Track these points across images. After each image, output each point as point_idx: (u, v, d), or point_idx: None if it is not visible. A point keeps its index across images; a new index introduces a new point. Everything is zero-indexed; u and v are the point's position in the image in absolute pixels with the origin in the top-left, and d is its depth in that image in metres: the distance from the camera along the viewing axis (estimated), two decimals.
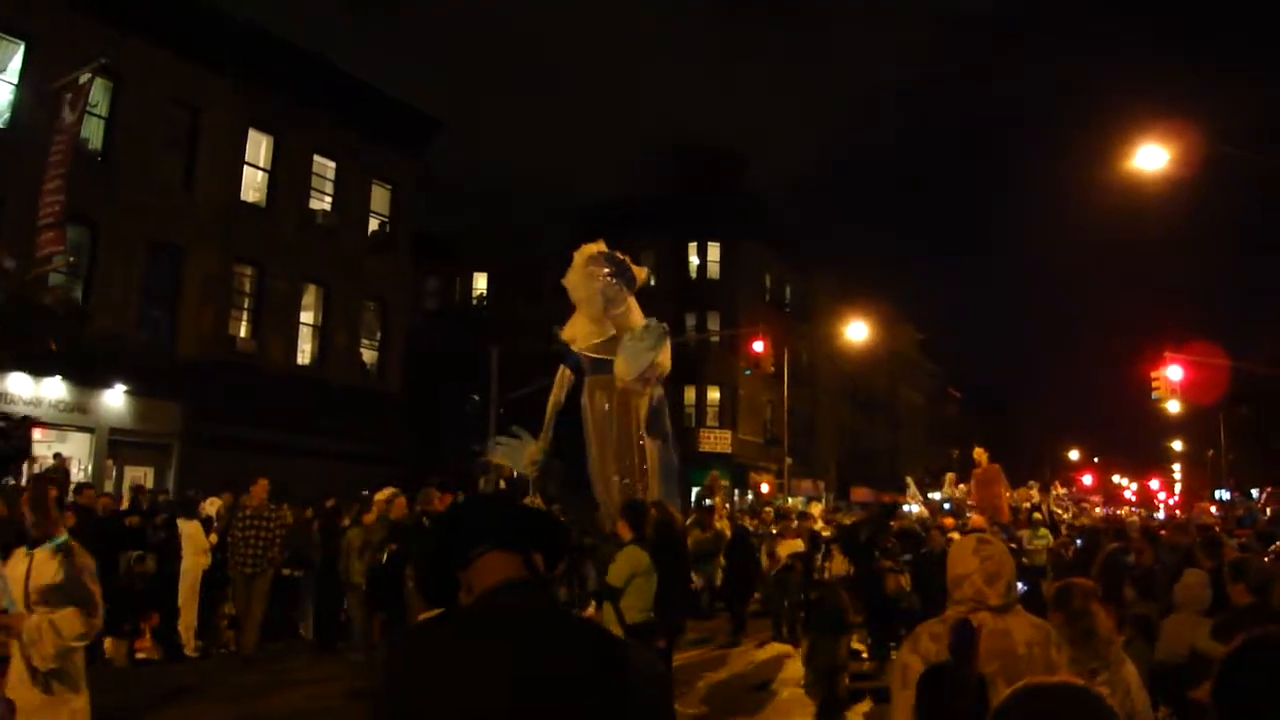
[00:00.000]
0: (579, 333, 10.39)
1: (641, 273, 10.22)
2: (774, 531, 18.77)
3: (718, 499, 20.76)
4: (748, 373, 35.37)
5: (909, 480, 32.83)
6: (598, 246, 9.98)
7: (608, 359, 9.96)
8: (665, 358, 10.13)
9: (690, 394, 44.73)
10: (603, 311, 9.87)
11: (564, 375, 10.76)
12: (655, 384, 10.30)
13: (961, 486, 28.63)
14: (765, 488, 40.60)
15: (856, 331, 38.06)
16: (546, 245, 36.72)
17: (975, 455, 23.59)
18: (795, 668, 12.44)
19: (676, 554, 9.03)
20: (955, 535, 12.00)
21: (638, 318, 10.18)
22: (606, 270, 9.75)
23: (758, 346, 31.18)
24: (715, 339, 42.56)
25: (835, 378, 53.23)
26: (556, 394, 10.76)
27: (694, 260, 46.39)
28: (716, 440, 43.58)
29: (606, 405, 10.13)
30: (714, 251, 46.17)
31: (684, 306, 44.55)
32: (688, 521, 15.37)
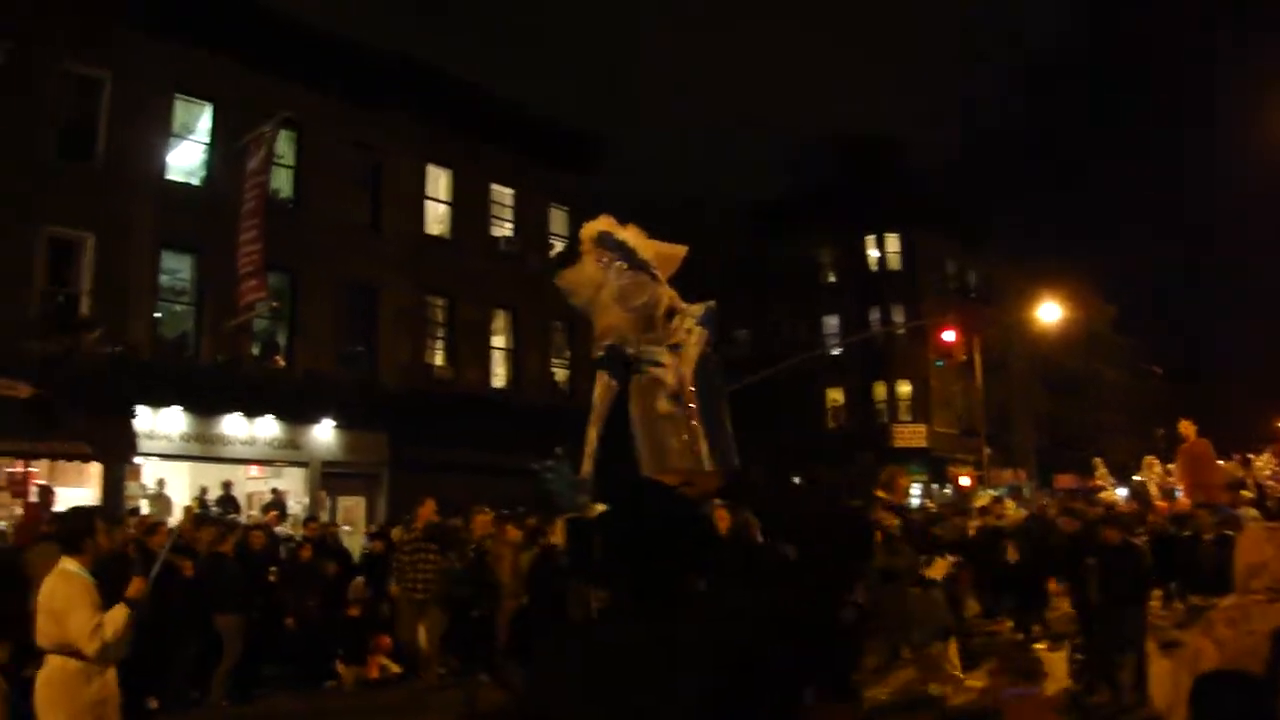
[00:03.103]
0: (612, 327, 8.07)
1: (678, 251, 8.23)
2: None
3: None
4: (939, 364, 34.62)
5: (1097, 462, 31.37)
6: (601, 224, 7.98)
7: (650, 357, 7.85)
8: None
9: (880, 390, 44.10)
10: (623, 305, 7.87)
11: (603, 382, 8.25)
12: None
13: (1170, 466, 27.18)
14: (965, 480, 39.67)
15: (1047, 312, 36.81)
16: (724, 247, 36.79)
17: (1181, 429, 22.34)
18: None
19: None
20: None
21: (666, 300, 7.99)
22: (616, 259, 7.86)
23: (948, 336, 30.57)
24: (900, 332, 41.84)
25: (1028, 362, 51.55)
26: (599, 407, 8.33)
27: (872, 254, 45.70)
28: (911, 435, 42.78)
29: (660, 407, 7.85)
30: (892, 243, 45.37)
31: (867, 301, 44.02)
32: None
